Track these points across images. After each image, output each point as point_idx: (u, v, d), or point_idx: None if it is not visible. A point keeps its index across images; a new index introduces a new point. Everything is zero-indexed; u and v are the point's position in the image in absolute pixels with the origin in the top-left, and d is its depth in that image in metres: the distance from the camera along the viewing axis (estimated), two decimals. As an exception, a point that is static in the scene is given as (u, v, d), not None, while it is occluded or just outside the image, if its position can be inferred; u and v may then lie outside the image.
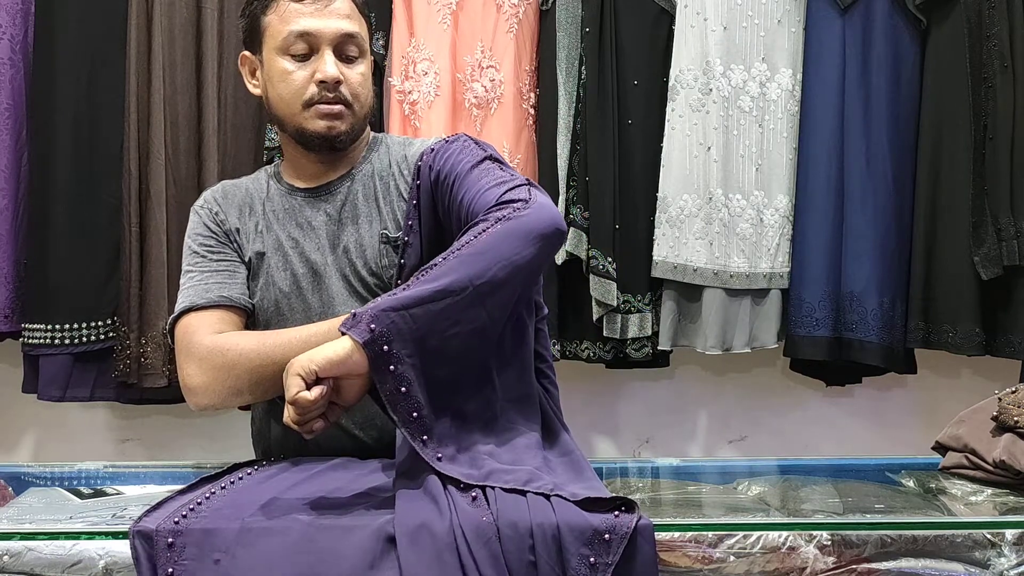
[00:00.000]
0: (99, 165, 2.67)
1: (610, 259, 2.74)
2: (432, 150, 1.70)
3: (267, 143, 2.72)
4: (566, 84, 2.77)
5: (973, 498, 1.79)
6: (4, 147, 2.65)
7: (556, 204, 2.76)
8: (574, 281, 2.79)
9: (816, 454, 2.94)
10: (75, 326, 2.65)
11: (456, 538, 1.31)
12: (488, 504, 1.35)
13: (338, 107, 1.73)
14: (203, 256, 1.76)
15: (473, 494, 1.37)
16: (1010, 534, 1.53)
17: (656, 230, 2.78)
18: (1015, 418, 1.82)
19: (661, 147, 2.78)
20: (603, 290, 2.73)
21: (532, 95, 2.82)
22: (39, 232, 2.66)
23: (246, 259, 1.78)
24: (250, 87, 1.84)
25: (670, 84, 2.78)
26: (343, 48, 1.74)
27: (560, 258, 2.75)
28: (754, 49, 2.78)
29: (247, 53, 1.82)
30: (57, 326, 2.64)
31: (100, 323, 2.67)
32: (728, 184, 2.77)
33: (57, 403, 2.70)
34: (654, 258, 2.77)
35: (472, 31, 2.77)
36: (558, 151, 2.77)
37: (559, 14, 2.77)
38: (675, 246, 2.76)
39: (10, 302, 2.68)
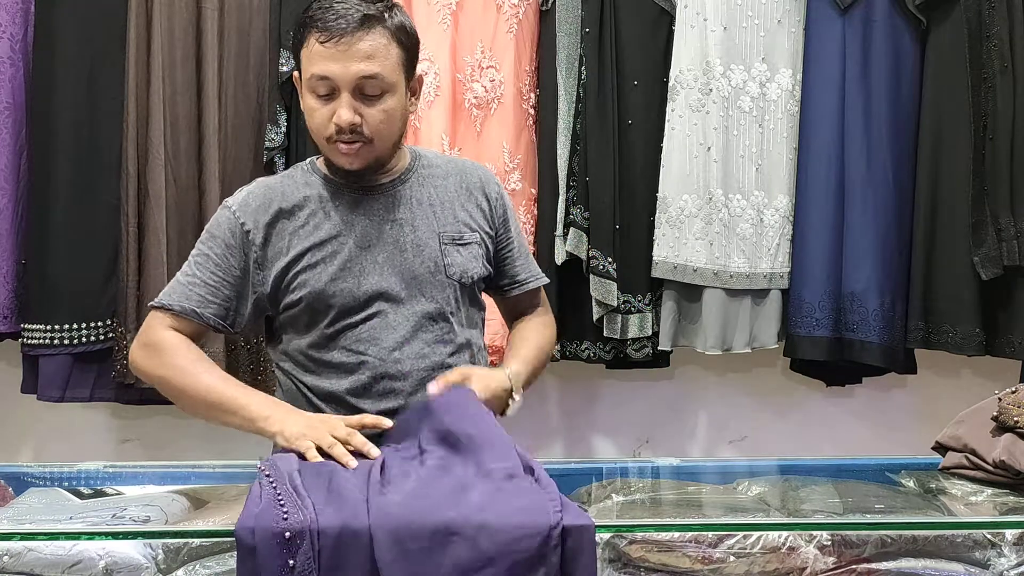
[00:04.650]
0: (99, 165, 2.67)
1: (610, 259, 2.74)
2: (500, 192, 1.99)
3: (267, 143, 2.72)
4: (566, 84, 2.77)
5: (973, 498, 1.78)
6: (4, 146, 2.65)
7: (556, 204, 2.77)
8: (574, 281, 2.78)
9: (816, 454, 2.94)
10: (74, 326, 2.65)
11: None
12: None
13: (356, 145, 1.79)
14: (205, 258, 1.84)
15: None
16: (1010, 534, 1.53)
17: (656, 230, 2.77)
18: (1015, 418, 1.82)
19: (661, 147, 2.78)
20: (603, 290, 2.73)
21: (532, 95, 2.82)
22: (39, 232, 2.66)
23: (282, 259, 1.84)
24: (302, 105, 1.90)
25: (670, 84, 2.78)
26: (363, 88, 1.78)
27: (560, 258, 2.75)
28: (754, 49, 2.78)
29: (296, 74, 1.89)
30: (56, 326, 2.64)
31: (100, 323, 2.67)
32: (728, 184, 2.77)
33: (57, 403, 2.70)
34: (654, 258, 2.77)
35: (472, 31, 2.76)
36: (558, 151, 2.77)
37: (559, 14, 2.77)
38: (675, 246, 2.76)
39: (9, 302, 2.68)
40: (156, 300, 1.85)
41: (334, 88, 1.77)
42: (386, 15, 1.79)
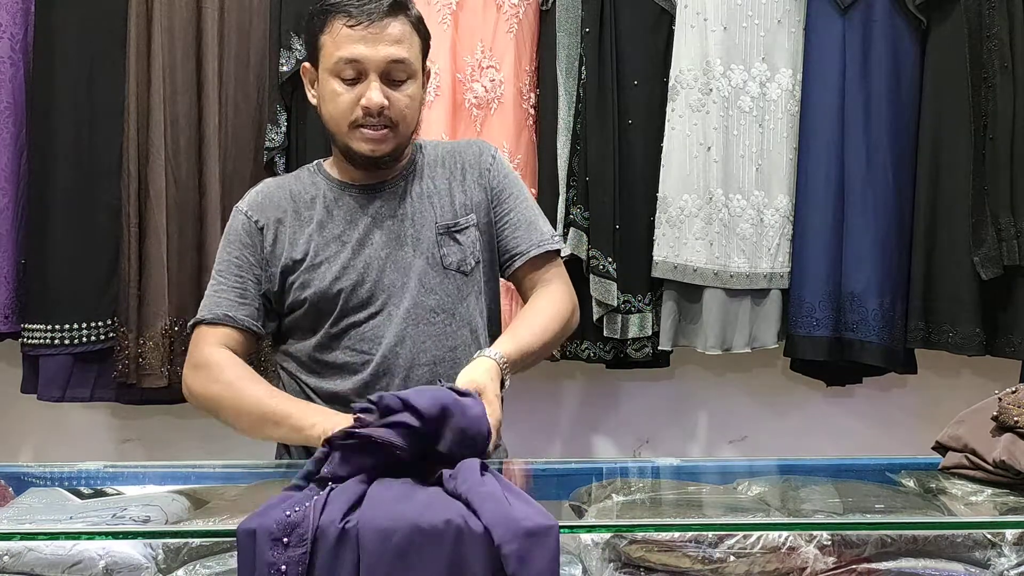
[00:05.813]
0: (99, 165, 2.67)
1: (610, 259, 2.74)
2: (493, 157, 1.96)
3: (267, 143, 2.72)
4: (566, 84, 2.77)
5: (973, 498, 1.78)
6: (4, 146, 2.65)
7: (556, 204, 2.77)
8: (574, 281, 2.74)
9: (816, 454, 2.94)
10: (75, 326, 2.65)
11: None
12: None
13: (382, 131, 1.81)
14: (226, 264, 1.87)
15: None
16: (1010, 534, 1.53)
17: (656, 230, 2.77)
18: (1015, 418, 1.81)
19: (661, 147, 2.78)
20: (603, 290, 2.73)
21: (532, 95, 2.82)
22: (39, 232, 2.66)
23: (287, 258, 1.85)
24: (309, 96, 1.91)
25: (670, 84, 2.78)
26: (391, 73, 1.80)
27: (560, 258, 2.75)
28: (754, 49, 2.78)
29: (307, 65, 1.89)
30: (57, 326, 2.64)
31: (100, 323, 2.67)
32: (728, 184, 2.77)
33: (57, 403, 2.70)
34: (654, 258, 2.77)
35: (472, 31, 2.76)
36: (558, 151, 2.77)
37: (559, 14, 2.77)
38: (675, 246, 2.76)
39: (10, 302, 2.68)
40: (193, 319, 1.87)
41: (361, 72, 1.79)
42: (409, 4, 1.84)
